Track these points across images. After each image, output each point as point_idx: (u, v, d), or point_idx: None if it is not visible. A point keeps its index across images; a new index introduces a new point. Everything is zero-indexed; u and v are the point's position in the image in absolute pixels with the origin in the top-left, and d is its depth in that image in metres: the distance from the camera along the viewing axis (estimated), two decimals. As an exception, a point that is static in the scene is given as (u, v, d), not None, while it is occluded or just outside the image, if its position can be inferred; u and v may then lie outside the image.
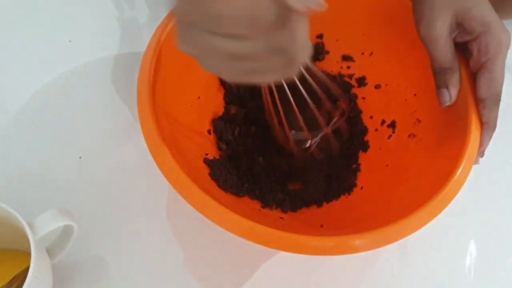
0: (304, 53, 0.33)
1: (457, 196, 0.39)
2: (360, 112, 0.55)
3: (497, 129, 0.42)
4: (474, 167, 0.41)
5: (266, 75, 0.33)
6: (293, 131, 0.51)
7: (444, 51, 0.43)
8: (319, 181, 0.52)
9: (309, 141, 0.51)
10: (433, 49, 0.43)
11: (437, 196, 0.38)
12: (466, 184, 0.39)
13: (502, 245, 0.51)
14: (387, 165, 0.50)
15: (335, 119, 0.51)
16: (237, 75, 0.33)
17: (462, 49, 0.44)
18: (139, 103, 0.40)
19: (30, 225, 0.39)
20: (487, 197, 0.53)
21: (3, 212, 0.40)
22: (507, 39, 0.42)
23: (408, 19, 0.47)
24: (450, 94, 0.43)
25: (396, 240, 0.37)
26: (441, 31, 0.43)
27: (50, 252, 0.44)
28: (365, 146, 0.54)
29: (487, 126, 0.42)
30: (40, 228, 0.40)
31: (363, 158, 0.53)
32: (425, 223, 0.37)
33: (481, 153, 0.42)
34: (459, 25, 0.43)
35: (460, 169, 0.39)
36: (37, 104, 0.55)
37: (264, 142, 0.53)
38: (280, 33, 0.30)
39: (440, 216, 0.38)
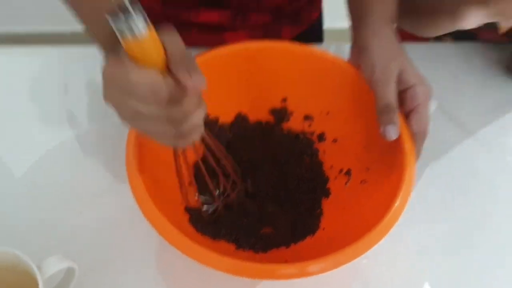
0: (194, 134, 0.43)
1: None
2: (322, 163, 0.64)
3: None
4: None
5: (162, 139, 0.43)
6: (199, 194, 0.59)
7: (391, 92, 0.53)
8: (287, 226, 0.60)
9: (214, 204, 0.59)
10: (383, 90, 0.53)
11: (378, 225, 0.46)
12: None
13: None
14: (344, 208, 0.58)
15: (226, 192, 0.59)
16: (140, 131, 0.43)
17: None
18: (127, 168, 0.49)
19: (39, 268, 0.47)
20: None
21: (13, 257, 0.48)
22: (431, 90, 0.54)
23: (355, 86, 0.57)
24: (395, 130, 0.52)
25: (344, 263, 0.45)
26: (392, 76, 0.54)
27: (54, 294, 0.52)
28: (327, 193, 0.62)
29: (418, 154, 0.53)
30: (48, 269, 0.47)
31: (325, 203, 0.61)
32: (369, 248, 0.46)
33: None
34: (399, 77, 0.53)
35: (398, 201, 0.48)
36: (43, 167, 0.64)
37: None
38: (175, 109, 0.40)
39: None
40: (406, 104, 0.54)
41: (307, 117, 0.65)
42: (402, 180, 0.50)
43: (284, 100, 0.65)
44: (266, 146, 0.65)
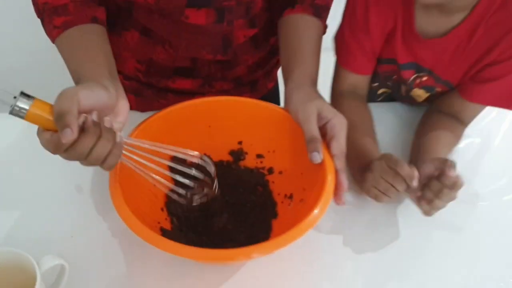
0: (109, 159, 0.58)
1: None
2: (271, 191, 0.79)
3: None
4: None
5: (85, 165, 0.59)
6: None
7: (314, 126, 0.69)
8: (243, 241, 0.73)
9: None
10: (307, 127, 0.69)
11: (295, 227, 0.61)
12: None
13: None
14: (287, 223, 0.71)
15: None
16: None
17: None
18: (112, 197, 0.64)
19: (38, 264, 0.60)
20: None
21: (15, 255, 0.61)
22: (345, 121, 0.70)
23: (292, 128, 0.73)
24: (320, 156, 0.67)
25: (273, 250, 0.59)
26: (312, 115, 0.70)
27: (50, 291, 0.64)
28: (275, 215, 0.76)
29: (341, 171, 0.68)
30: (44, 264, 0.61)
31: (274, 223, 0.75)
32: (284, 244, 0.60)
33: (345, 190, 0.68)
34: (319, 115, 0.70)
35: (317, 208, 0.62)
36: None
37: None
38: (72, 151, 0.55)
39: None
40: (327, 134, 0.70)
41: (258, 156, 0.81)
42: (322, 193, 0.64)
43: (240, 143, 0.81)
44: (227, 180, 0.80)
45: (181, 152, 0.69)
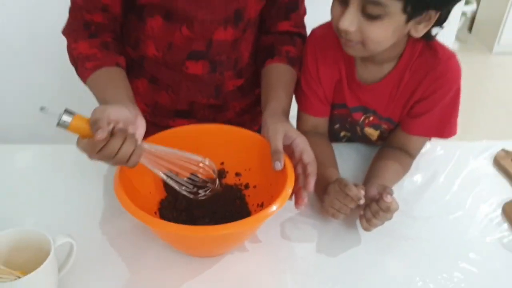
0: (132, 159, 0.77)
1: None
2: (247, 203, 0.94)
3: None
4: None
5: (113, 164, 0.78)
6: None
7: (279, 142, 0.87)
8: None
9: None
10: (273, 141, 0.87)
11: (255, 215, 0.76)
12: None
13: None
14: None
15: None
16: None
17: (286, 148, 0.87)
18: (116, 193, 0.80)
19: (53, 239, 0.75)
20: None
21: (33, 233, 0.75)
22: (306, 139, 0.88)
23: (263, 149, 0.90)
24: (281, 164, 0.84)
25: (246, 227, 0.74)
26: (279, 133, 0.88)
27: (59, 269, 0.78)
28: (249, 221, 0.91)
29: (312, 174, 0.85)
30: (57, 240, 0.75)
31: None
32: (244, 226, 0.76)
33: (310, 188, 0.85)
34: (285, 135, 0.87)
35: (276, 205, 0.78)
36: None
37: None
38: (101, 152, 0.74)
39: None
40: (295, 150, 0.88)
41: (237, 174, 0.98)
42: (282, 192, 0.80)
43: (222, 163, 0.98)
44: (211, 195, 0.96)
45: (187, 157, 0.87)
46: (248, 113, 1.20)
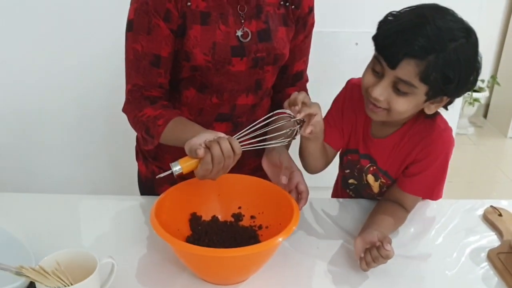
0: (226, 165, 1.00)
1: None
2: (260, 241, 1.10)
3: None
4: None
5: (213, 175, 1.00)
6: None
7: (289, 162, 1.10)
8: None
9: None
10: (286, 161, 1.11)
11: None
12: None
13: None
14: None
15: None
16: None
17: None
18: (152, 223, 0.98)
19: (99, 259, 0.92)
20: None
21: (84, 253, 0.93)
22: (301, 173, 1.09)
23: (275, 195, 1.08)
24: (287, 178, 1.10)
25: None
26: (287, 156, 1.11)
27: (101, 286, 0.94)
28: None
29: (304, 200, 1.07)
30: (101, 260, 0.92)
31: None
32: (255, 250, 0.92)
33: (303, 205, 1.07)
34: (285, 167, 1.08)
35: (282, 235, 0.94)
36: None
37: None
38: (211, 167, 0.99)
39: None
40: (293, 181, 1.11)
41: (252, 217, 1.15)
42: (290, 223, 0.97)
43: (239, 207, 1.16)
44: (229, 234, 1.12)
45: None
46: (262, 171, 1.38)
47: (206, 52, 1.14)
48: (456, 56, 0.99)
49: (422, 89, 1.03)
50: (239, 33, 1.17)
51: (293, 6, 1.22)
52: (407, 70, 1.01)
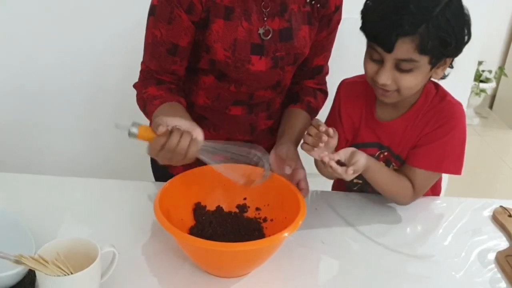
0: (188, 153, 0.95)
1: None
2: (265, 235, 1.08)
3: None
4: None
5: (171, 162, 0.98)
6: None
7: (295, 155, 1.11)
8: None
9: None
10: (291, 153, 1.12)
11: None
12: None
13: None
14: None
15: None
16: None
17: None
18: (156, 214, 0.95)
19: (100, 247, 0.89)
20: None
21: (85, 241, 0.90)
22: (304, 171, 1.07)
23: (279, 188, 1.05)
24: (290, 169, 1.10)
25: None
26: (294, 150, 1.12)
27: (102, 274, 0.92)
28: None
29: (306, 194, 1.05)
30: (103, 248, 0.90)
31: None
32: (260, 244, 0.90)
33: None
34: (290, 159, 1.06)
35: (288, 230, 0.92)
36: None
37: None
38: (164, 150, 0.95)
39: None
40: (295, 177, 1.09)
41: (257, 209, 1.12)
42: (297, 216, 0.94)
43: (245, 199, 1.13)
44: (233, 226, 1.09)
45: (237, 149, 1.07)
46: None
47: (227, 48, 1.14)
48: (444, 18, 1.02)
49: (424, 60, 1.05)
50: (261, 30, 1.15)
51: (318, 5, 1.20)
52: (404, 48, 1.03)
